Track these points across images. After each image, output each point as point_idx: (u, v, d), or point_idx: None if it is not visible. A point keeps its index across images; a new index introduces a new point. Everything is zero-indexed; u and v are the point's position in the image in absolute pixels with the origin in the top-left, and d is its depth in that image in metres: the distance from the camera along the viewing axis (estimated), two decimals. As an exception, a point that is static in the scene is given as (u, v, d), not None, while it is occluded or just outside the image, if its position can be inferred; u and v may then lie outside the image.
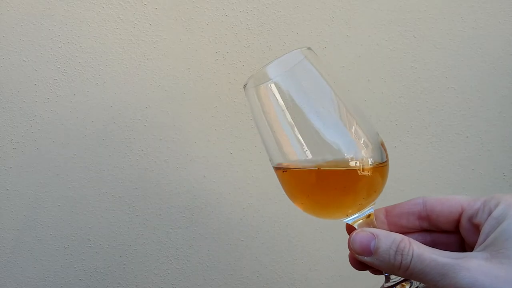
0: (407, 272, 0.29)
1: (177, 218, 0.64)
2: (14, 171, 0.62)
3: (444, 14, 0.64)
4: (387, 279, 0.33)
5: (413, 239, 0.33)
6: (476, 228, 0.30)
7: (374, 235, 0.31)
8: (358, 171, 0.32)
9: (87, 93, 0.61)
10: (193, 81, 0.62)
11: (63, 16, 0.60)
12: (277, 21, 0.63)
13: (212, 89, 0.62)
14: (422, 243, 0.33)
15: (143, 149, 0.63)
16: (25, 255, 0.63)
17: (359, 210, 0.33)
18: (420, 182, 0.66)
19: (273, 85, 0.32)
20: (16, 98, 0.61)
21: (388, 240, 0.30)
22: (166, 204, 0.64)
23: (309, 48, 0.34)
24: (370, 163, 0.32)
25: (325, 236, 0.66)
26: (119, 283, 0.64)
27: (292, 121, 0.32)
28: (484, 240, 0.29)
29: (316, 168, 0.32)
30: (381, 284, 0.34)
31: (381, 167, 0.33)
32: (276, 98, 0.32)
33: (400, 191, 0.65)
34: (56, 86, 0.61)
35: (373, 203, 0.34)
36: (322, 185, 0.33)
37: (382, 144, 0.34)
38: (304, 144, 0.32)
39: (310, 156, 0.32)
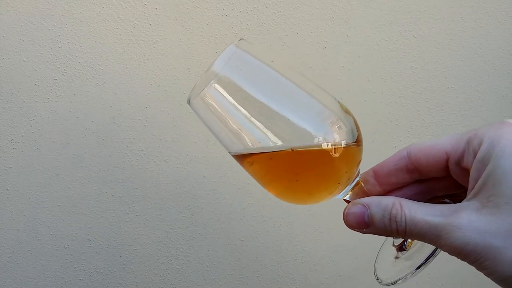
0: (406, 236, 0.29)
1: (177, 218, 0.64)
2: (14, 171, 0.62)
3: (444, 14, 0.64)
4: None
5: (409, 191, 0.32)
6: (467, 172, 0.29)
7: (365, 206, 0.30)
8: (330, 151, 0.31)
9: (87, 93, 0.61)
10: (193, 81, 0.62)
11: (63, 16, 0.60)
12: (277, 21, 0.63)
13: (212, 89, 0.62)
14: (419, 193, 0.32)
15: (143, 149, 0.63)
16: (25, 255, 0.63)
17: (343, 187, 0.33)
18: (420, 182, 0.66)
19: (215, 84, 0.31)
20: (16, 98, 0.61)
21: (379, 208, 0.29)
22: (166, 204, 0.64)
23: (241, 39, 0.33)
24: (338, 141, 0.31)
25: (325, 236, 0.66)
26: (119, 283, 0.64)
27: (247, 112, 0.31)
28: (473, 186, 0.27)
29: (290, 150, 0.31)
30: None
31: (355, 142, 0.32)
32: (224, 95, 0.32)
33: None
34: (56, 86, 0.61)
35: (357, 173, 0.33)
36: (300, 168, 0.32)
37: (347, 111, 0.33)
38: (268, 132, 0.31)
39: (278, 143, 0.31)
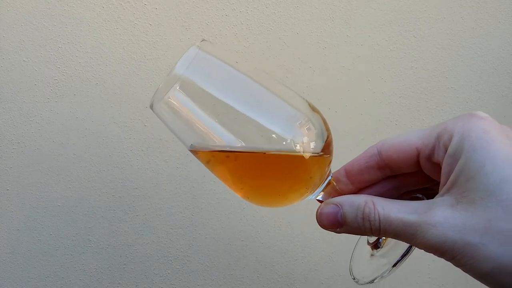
0: (380, 234, 0.28)
1: (177, 218, 0.64)
2: (14, 171, 0.62)
3: (444, 14, 0.64)
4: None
5: (381, 187, 0.32)
6: (438, 167, 0.28)
7: (338, 206, 0.30)
8: (298, 153, 0.30)
9: (87, 93, 0.61)
10: (193, 81, 0.62)
11: (63, 16, 0.60)
12: (277, 21, 0.63)
13: (212, 89, 0.62)
14: (391, 189, 0.32)
15: (143, 149, 0.63)
16: (25, 255, 0.63)
17: (314, 187, 0.32)
18: (420, 182, 0.66)
19: (179, 87, 0.30)
20: (16, 98, 0.61)
21: (352, 208, 0.29)
22: (166, 204, 0.64)
23: (203, 40, 0.32)
24: (306, 142, 0.31)
25: (325, 236, 0.66)
26: (119, 283, 0.64)
27: (212, 114, 0.31)
28: (446, 181, 0.27)
29: (259, 152, 0.30)
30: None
31: (325, 142, 0.32)
32: (188, 99, 0.31)
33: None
34: (56, 86, 0.61)
35: (327, 173, 0.33)
36: (269, 171, 0.31)
37: (316, 110, 0.32)
38: (235, 133, 0.30)
39: (245, 144, 0.30)
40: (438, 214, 0.26)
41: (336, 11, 0.63)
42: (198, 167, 0.63)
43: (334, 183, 0.33)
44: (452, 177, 0.26)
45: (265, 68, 0.63)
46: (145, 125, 0.62)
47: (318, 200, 0.33)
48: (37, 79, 0.61)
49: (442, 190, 0.27)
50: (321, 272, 0.66)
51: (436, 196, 0.28)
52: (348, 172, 0.32)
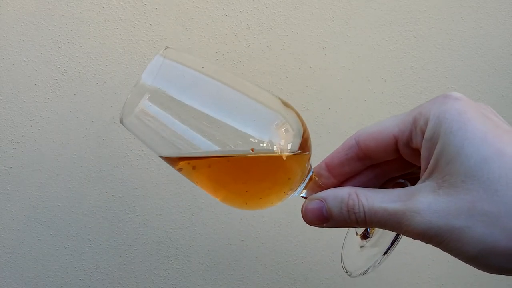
0: (367, 225, 0.28)
1: (177, 218, 0.64)
2: (14, 171, 0.62)
3: (444, 14, 0.64)
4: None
5: (364, 177, 0.32)
6: (417, 152, 0.28)
7: (322, 201, 0.30)
8: (275, 153, 0.30)
9: (87, 93, 0.61)
10: (193, 81, 0.62)
11: (63, 16, 0.60)
12: (277, 21, 0.63)
13: (212, 89, 0.62)
14: (374, 178, 0.32)
15: (143, 149, 0.63)
16: (25, 255, 0.63)
17: (296, 185, 0.32)
18: (420, 182, 0.66)
19: (148, 99, 0.30)
20: (16, 98, 0.61)
21: (336, 201, 0.29)
22: (166, 204, 0.64)
23: (167, 48, 0.32)
24: (283, 144, 0.30)
25: (325, 236, 0.66)
26: (119, 283, 0.64)
27: (186, 122, 0.30)
28: (426, 166, 0.27)
29: (237, 156, 0.30)
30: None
31: (301, 138, 0.31)
32: (159, 109, 0.30)
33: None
34: (56, 86, 0.61)
35: (307, 170, 0.32)
36: (248, 175, 0.31)
37: (288, 105, 0.32)
38: (211, 139, 0.30)
39: (222, 149, 0.30)
40: (421, 201, 0.26)
41: (336, 11, 0.63)
42: (198, 167, 0.63)
43: (316, 178, 0.33)
44: (432, 161, 0.26)
45: (265, 68, 0.63)
46: (145, 125, 0.62)
47: (303, 197, 0.33)
48: (37, 79, 0.61)
49: (423, 176, 0.27)
50: (321, 272, 0.66)
51: (418, 182, 0.27)
52: (329, 165, 0.32)
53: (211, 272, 0.65)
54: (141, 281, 0.65)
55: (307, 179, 0.32)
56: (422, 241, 0.26)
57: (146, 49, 0.61)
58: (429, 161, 0.26)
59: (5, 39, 0.60)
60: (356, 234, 0.34)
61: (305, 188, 0.33)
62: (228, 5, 0.62)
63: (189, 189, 0.63)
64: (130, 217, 0.63)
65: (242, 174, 0.31)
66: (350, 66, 0.64)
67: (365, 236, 0.33)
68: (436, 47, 0.64)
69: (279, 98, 0.32)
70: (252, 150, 0.30)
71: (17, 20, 0.60)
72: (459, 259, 0.26)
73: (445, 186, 0.25)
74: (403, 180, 0.32)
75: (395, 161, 0.31)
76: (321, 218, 0.30)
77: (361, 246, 0.33)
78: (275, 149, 0.30)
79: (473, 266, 0.26)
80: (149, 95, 0.30)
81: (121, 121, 0.31)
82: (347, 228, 0.34)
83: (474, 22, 0.64)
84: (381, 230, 0.32)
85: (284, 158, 0.31)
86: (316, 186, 0.33)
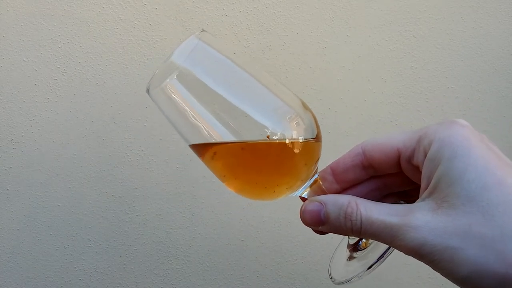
0: (361, 234, 0.28)
1: (177, 218, 0.64)
2: (14, 171, 0.62)
3: (444, 14, 0.64)
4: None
5: (365, 187, 0.32)
6: (417, 169, 0.29)
7: (322, 204, 0.30)
8: (288, 145, 0.31)
9: (87, 93, 0.61)
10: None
11: (63, 16, 0.60)
12: (277, 21, 0.63)
13: (212, 89, 0.62)
14: (375, 189, 0.32)
15: (143, 149, 0.63)
16: (25, 255, 0.63)
17: (301, 183, 0.32)
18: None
19: (176, 77, 0.31)
20: (16, 98, 0.61)
21: (335, 207, 0.29)
22: (166, 204, 0.64)
23: (203, 31, 0.32)
24: (296, 136, 0.31)
25: (325, 236, 0.65)
26: (119, 283, 0.64)
27: (208, 106, 0.31)
28: (427, 185, 0.27)
29: (251, 143, 0.31)
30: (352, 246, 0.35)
31: (313, 141, 0.32)
32: (184, 89, 0.31)
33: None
34: (56, 86, 0.61)
35: (314, 171, 0.33)
36: (259, 163, 0.32)
37: (307, 107, 0.33)
38: (228, 126, 0.31)
39: (238, 137, 0.31)
40: (418, 218, 0.26)
41: (336, 11, 0.63)
42: (198, 167, 0.63)
43: (320, 182, 0.33)
44: (433, 182, 0.27)
45: (265, 68, 0.63)
46: (145, 125, 0.62)
47: (302, 198, 0.34)
48: (37, 79, 0.61)
49: (423, 194, 0.28)
50: (321, 272, 0.66)
51: (417, 200, 0.28)
52: (334, 170, 0.33)
53: (211, 272, 0.65)
54: (141, 281, 0.65)
55: (312, 180, 0.33)
56: (414, 257, 0.27)
57: (146, 49, 0.61)
58: (430, 181, 0.27)
59: (5, 39, 0.60)
60: (348, 245, 0.35)
61: (309, 187, 0.33)
62: (228, 5, 0.62)
63: (189, 189, 0.63)
64: (130, 217, 0.63)
65: (253, 161, 0.32)
66: (350, 66, 0.64)
67: (356, 248, 0.34)
68: (436, 47, 0.64)
69: (300, 99, 0.33)
70: (267, 137, 0.30)
71: (17, 20, 0.60)
72: (450, 279, 0.26)
73: (444, 206, 0.26)
74: (402, 201, 0.33)
75: (396, 176, 0.32)
76: (317, 220, 0.30)
77: (350, 258, 0.34)
78: (288, 141, 0.31)
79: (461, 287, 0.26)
80: (177, 73, 0.31)
81: (147, 91, 0.33)
82: (341, 238, 0.35)
83: (474, 22, 0.64)
84: (372, 244, 0.33)
85: (296, 151, 0.31)
86: (318, 189, 0.33)
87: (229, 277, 0.65)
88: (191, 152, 0.66)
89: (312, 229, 0.33)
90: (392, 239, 0.27)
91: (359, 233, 0.28)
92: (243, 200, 0.64)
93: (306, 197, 0.33)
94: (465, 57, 0.65)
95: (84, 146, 0.62)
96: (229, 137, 0.31)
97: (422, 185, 0.28)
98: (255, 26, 0.62)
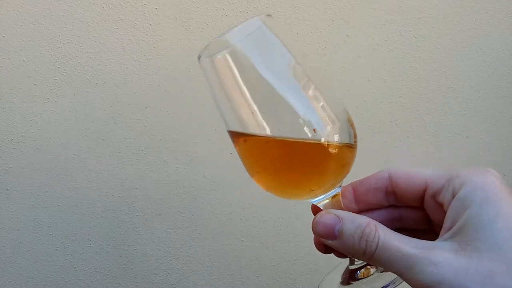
0: (372, 259, 0.27)
1: (177, 218, 0.64)
2: (14, 171, 0.62)
3: (444, 14, 0.64)
4: (352, 261, 0.33)
5: (381, 214, 0.32)
6: (440, 207, 0.28)
7: (339, 218, 0.29)
8: (324, 147, 0.30)
9: (87, 93, 0.61)
10: (193, 81, 0.62)
11: (63, 16, 0.60)
12: (277, 21, 0.62)
13: (212, 89, 0.62)
14: (390, 219, 0.32)
15: (143, 149, 0.63)
16: (25, 255, 0.63)
17: (325, 190, 0.32)
18: (420, 182, 0.66)
19: (229, 55, 0.30)
20: (16, 98, 0.61)
21: (353, 225, 0.28)
22: (166, 204, 0.64)
23: (269, 15, 0.32)
24: (336, 140, 0.30)
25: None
26: (119, 283, 0.64)
27: (253, 92, 0.30)
28: (451, 226, 0.27)
29: (289, 139, 0.30)
30: (347, 265, 0.34)
31: (349, 147, 0.31)
32: (233, 68, 0.30)
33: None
34: (56, 86, 0.61)
35: (340, 184, 0.32)
36: (289, 157, 0.31)
37: (350, 122, 0.32)
38: (270, 116, 0.30)
39: (277, 129, 0.30)
40: (440, 254, 0.26)
41: (336, 11, 0.63)
42: (198, 167, 0.63)
43: (340, 197, 0.33)
44: (459, 223, 0.26)
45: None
46: (145, 125, 0.62)
47: (314, 209, 0.33)
48: (37, 79, 0.61)
49: (445, 234, 0.27)
50: (321, 272, 0.66)
51: (438, 239, 0.27)
52: (356, 189, 0.33)
53: (211, 272, 0.65)
54: (141, 281, 0.65)
55: (334, 191, 0.32)
56: None
57: (146, 49, 0.61)
58: (455, 222, 0.27)
59: (5, 39, 0.60)
60: (345, 271, 0.33)
61: (329, 198, 0.32)
62: (228, 5, 0.62)
63: (189, 189, 0.63)
64: (130, 217, 0.63)
65: (294, 157, 0.31)
66: (350, 66, 0.64)
67: (352, 276, 0.33)
68: (436, 47, 0.64)
69: (347, 113, 0.32)
70: (314, 130, 0.30)
71: (17, 20, 0.60)
72: None
73: (468, 249, 0.25)
74: None
75: (415, 210, 0.31)
76: (330, 234, 0.29)
77: (345, 282, 0.33)
78: (324, 142, 0.30)
79: None
80: (231, 51, 0.30)
81: (199, 58, 0.32)
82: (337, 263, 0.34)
83: (474, 22, 0.64)
84: (373, 276, 0.32)
85: (332, 154, 0.31)
86: (336, 203, 0.32)
87: (229, 277, 0.65)
88: (191, 152, 0.66)
89: (316, 246, 0.32)
90: (407, 270, 0.26)
91: (370, 256, 0.27)
92: (243, 200, 0.64)
93: (321, 207, 0.33)
94: (465, 57, 0.65)
95: (84, 146, 0.62)
96: (268, 128, 0.30)
97: (445, 225, 0.27)
98: (255, 26, 0.62)
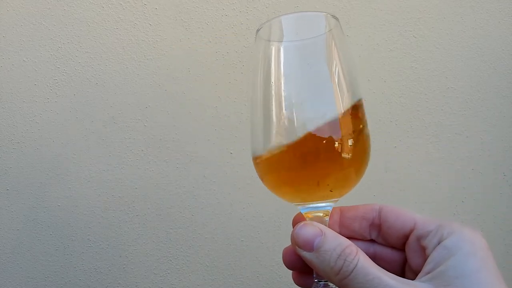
0: (345, 281, 0.27)
1: (177, 218, 0.64)
2: (14, 171, 0.62)
3: (444, 14, 0.64)
4: (315, 285, 0.32)
5: (359, 245, 0.31)
6: (422, 250, 0.29)
7: (322, 232, 0.29)
8: (341, 150, 0.30)
9: (87, 93, 0.61)
10: (193, 81, 0.62)
11: (63, 16, 0.60)
12: (277, 21, 0.63)
13: (212, 89, 0.62)
14: (365, 253, 0.31)
15: (143, 149, 0.63)
16: (25, 255, 0.63)
17: (320, 198, 0.32)
18: (419, 182, 0.66)
19: (280, 45, 0.30)
20: (16, 98, 0.61)
21: (335, 242, 0.28)
22: (166, 204, 0.64)
23: (335, 17, 0.31)
24: (349, 155, 0.30)
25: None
26: (119, 283, 0.64)
27: (290, 86, 0.30)
28: (431, 270, 0.27)
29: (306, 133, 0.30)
30: None
31: (357, 164, 0.31)
32: (281, 59, 0.30)
33: (400, 191, 0.65)
34: (56, 86, 0.61)
35: (336, 199, 0.32)
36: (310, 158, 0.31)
37: (368, 135, 0.33)
38: (290, 110, 0.30)
39: (300, 127, 0.30)
40: None
41: (336, 11, 0.63)
42: (198, 167, 0.63)
43: (329, 216, 0.32)
44: (440, 268, 0.27)
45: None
46: (145, 125, 0.62)
47: (300, 217, 0.33)
48: (37, 79, 0.61)
49: (423, 277, 0.27)
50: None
51: (415, 280, 0.28)
52: (343, 213, 0.33)
53: (211, 272, 0.65)
54: (141, 281, 0.65)
55: (327, 206, 0.32)
56: None
57: (146, 49, 0.61)
58: (437, 267, 0.27)
59: (5, 39, 0.60)
60: None
61: (317, 212, 0.32)
62: (228, 5, 0.62)
63: (189, 189, 0.63)
64: (130, 217, 0.63)
65: (302, 154, 0.31)
66: (350, 66, 0.64)
67: None
68: (436, 47, 0.64)
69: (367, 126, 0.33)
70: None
71: (17, 20, 0.60)
72: None
73: None
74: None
75: (392, 251, 0.32)
76: (309, 245, 0.29)
77: None
78: (337, 146, 0.30)
79: None
80: (284, 45, 0.30)
81: (257, 31, 0.32)
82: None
83: (474, 22, 0.64)
84: None
85: (348, 156, 0.30)
86: (321, 221, 0.32)
87: (229, 277, 0.65)
88: (191, 152, 0.66)
89: (283, 257, 0.33)
90: None
91: (344, 277, 0.27)
92: (243, 200, 0.64)
93: (307, 219, 0.33)
94: (465, 57, 0.65)
95: (84, 146, 0.62)
96: (292, 124, 0.30)
97: (425, 268, 0.28)
98: (255, 26, 0.62)
